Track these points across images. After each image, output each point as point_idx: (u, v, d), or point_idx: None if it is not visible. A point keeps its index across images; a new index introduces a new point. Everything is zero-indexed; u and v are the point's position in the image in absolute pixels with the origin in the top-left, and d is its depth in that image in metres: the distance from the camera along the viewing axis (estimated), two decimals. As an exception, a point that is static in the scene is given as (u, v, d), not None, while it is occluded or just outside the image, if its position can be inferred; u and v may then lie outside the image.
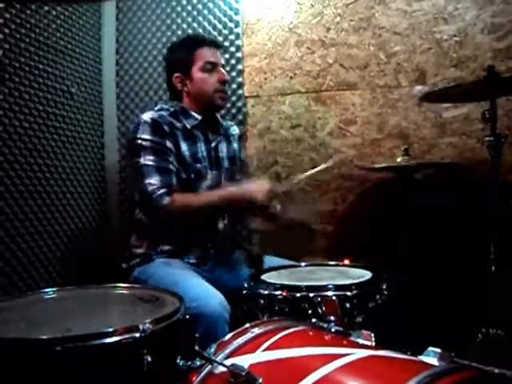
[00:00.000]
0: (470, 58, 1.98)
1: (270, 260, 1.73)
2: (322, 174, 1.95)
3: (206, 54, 1.73)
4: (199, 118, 1.74)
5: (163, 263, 1.62)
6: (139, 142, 1.63)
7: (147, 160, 1.61)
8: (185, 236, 1.68)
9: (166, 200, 1.57)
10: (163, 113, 1.70)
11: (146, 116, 1.66)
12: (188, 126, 1.72)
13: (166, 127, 1.65)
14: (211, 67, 1.72)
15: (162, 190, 1.58)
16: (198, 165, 1.71)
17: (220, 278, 1.66)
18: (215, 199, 1.64)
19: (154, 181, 1.59)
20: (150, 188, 1.58)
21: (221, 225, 1.78)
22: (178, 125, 1.70)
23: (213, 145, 1.78)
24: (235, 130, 1.94)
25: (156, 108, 1.75)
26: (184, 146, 1.69)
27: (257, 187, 1.63)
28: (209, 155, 1.75)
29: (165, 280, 1.50)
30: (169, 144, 1.64)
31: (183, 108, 1.75)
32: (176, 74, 1.75)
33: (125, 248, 1.74)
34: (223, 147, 1.83)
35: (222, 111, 2.24)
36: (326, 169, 1.80)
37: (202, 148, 1.74)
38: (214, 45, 1.79)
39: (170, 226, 1.65)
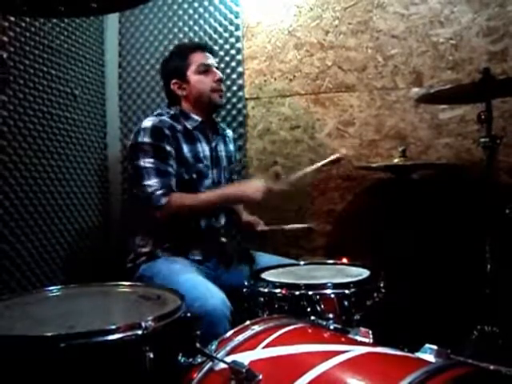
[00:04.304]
0: (466, 60, 1.99)
1: (268, 258, 1.76)
2: (317, 172, 1.97)
3: (199, 58, 1.80)
4: (199, 119, 1.78)
5: (168, 261, 1.64)
6: (139, 146, 1.66)
7: (147, 162, 1.64)
8: (188, 234, 1.71)
9: (164, 201, 1.59)
10: (163, 117, 1.72)
11: (146, 122, 1.69)
12: (189, 127, 1.75)
13: (166, 131, 1.67)
14: (205, 69, 1.79)
15: (160, 192, 1.60)
16: (200, 165, 1.74)
17: (222, 276, 1.69)
18: (212, 199, 1.66)
19: (152, 182, 1.61)
20: (149, 189, 1.61)
21: (222, 221, 1.82)
22: (179, 127, 1.73)
23: (213, 145, 1.82)
24: (230, 133, 2.00)
25: (155, 113, 1.78)
26: (186, 148, 1.72)
27: (253, 187, 1.65)
28: (210, 155, 1.80)
29: (169, 279, 1.52)
30: (169, 148, 1.66)
31: (182, 111, 1.79)
32: (173, 81, 1.80)
33: (129, 249, 1.76)
34: (221, 147, 1.88)
35: (223, 112, 2.29)
36: (322, 166, 1.86)
37: (203, 148, 1.78)
38: (206, 49, 1.86)
39: (168, 226, 1.67)
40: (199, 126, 1.78)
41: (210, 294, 1.39)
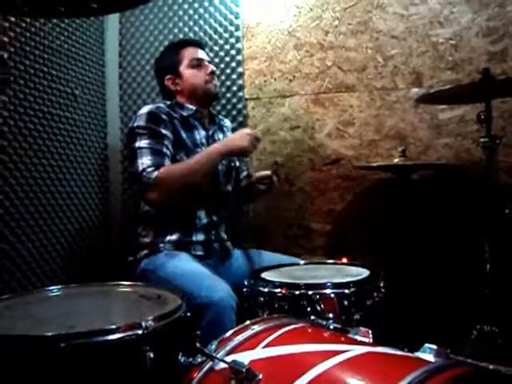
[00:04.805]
0: (466, 60, 2.00)
1: (268, 257, 1.77)
2: None
3: (191, 52, 1.84)
4: (194, 108, 1.81)
5: (170, 255, 1.64)
6: (135, 130, 1.68)
7: (142, 143, 1.65)
8: (188, 224, 1.71)
9: (154, 175, 1.57)
10: (160, 105, 1.76)
11: (143, 109, 1.72)
12: (185, 114, 1.78)
13: (163, 116, 1.70)
14: (198, 63, 1.83)
15: (151, 168, 1.59)
16: (199, 149, 1.75)
17: (222, 275, 1.69)
18: (200, 159, 1.65)
19: (145, 160, 1.61)
20: (141, 167, 1.60)
21: (222, 214, 1.82)
22: (176, 115, 1.76)
23: (210, 132, 1.85)
24: (228, 123, 2.03)
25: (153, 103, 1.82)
26: (183, 133, 1.74)
27: (239, 135, 1.68)
28: (207, 141, 1.82)
29: (173, 271, 1.52)
30: (164, 131, 1.68)
31: (178, 102, 1.82)
32: (167, 76, 1.84)
33: (130, 241, 1.76)
34: (219, 136, 1.90)
35: (223, 112, 2.29)
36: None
37: (200, 135, 1.80)
38: (197, 44, 1.90)
39: (165, 203, 1.64)
40: (194, 115, 1.81)
41: (217, 285, 1.40)
